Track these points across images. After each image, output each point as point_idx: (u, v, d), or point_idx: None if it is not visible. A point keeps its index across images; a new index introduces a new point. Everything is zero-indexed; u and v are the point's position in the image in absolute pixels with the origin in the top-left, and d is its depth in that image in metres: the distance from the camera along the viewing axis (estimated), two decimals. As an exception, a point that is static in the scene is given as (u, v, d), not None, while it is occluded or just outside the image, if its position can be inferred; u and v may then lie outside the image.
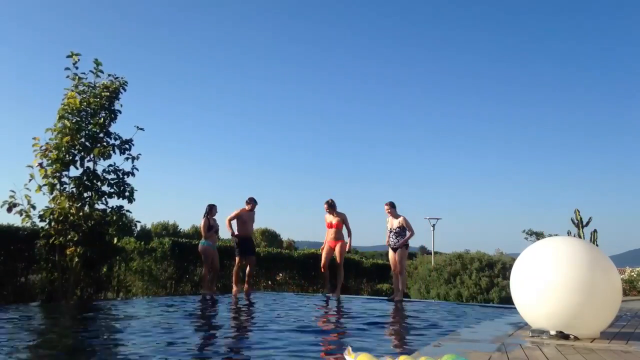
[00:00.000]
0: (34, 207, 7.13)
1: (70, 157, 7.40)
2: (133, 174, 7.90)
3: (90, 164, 7.67)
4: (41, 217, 7.14)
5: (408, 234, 7.84)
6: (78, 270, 7.21)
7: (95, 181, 7.61)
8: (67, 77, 7.76)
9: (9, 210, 6.98)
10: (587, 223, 14.26)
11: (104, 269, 8.04)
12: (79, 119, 7.60)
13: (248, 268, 8.69)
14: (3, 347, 3.55)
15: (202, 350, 3.70)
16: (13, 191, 7.03)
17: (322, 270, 8.50)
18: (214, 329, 4.87)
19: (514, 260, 4.31)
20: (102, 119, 7.78)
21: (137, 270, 10.63)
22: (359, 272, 16.99)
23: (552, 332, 3.71)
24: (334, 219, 8.31)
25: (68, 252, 7.08)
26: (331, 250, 8.35)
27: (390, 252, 7.99)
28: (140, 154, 8.00)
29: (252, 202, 8.52)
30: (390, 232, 7.90)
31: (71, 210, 7.22)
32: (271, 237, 48.95)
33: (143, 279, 10.72)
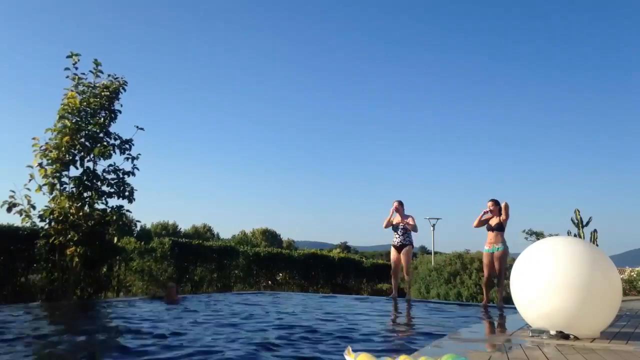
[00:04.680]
0: (34, 207, 7.13)
1: (70, 157, 7.39)
2: (133, 174, 7.90)
3: (90, 164, 7.67)
4: (41, 217, 7.14)
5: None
6: (78, 270, 7.21)
7: (95, 181, 7.61)
8: (67, 77, 7.77)
9: (9, 210, 6.98)
10: (587, 223, 14.27)
11: (104, 269, 8.04)
12: (78, 119, 7.60)
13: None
14: (6, 347, 3.55)
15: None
16: (13, 191, 7.03)
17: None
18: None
19: (514, 260, 4.31)
20: (102, 119, 7.78)
21: (137, 270, 10.65)
22: (359, 272, 17.01)
23: (552, 332, 3.71)
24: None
25: (68, 252, 7.08)
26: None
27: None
28: (140, 154, 8.00)
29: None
30: (396, 229, 7.97)
31: (71, 210, 7.22)
32: (271, 237, 48.96)
33: (143, 279, 10.74)
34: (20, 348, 3.58)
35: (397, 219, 8.00)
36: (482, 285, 7.72)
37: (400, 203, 8.06)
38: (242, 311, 6.26)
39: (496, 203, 7.36)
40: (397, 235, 7.89)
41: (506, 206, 7.29)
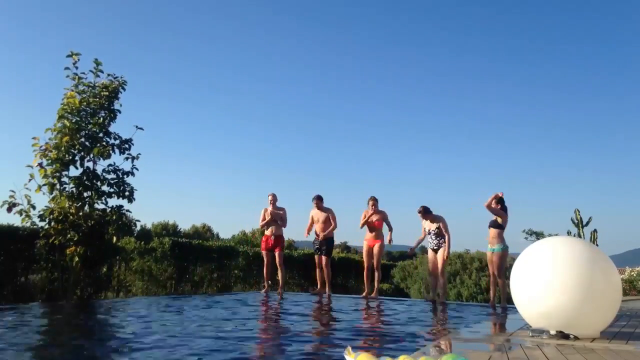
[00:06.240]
0: (33, 207, 7.11)
1: (70, 157, 7.38)
2: (133, 174, 7.88)
3: (90, 164, 7.66)
4: (41, 217, 7.13)
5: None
6: (78, 270, 7.21)
7: (95, 181, 7.60)
8: (67, 77, 7.75)
9: (9, 210, 6.97)
10: (587, 223, 14.28)
11: (104, 269, 8.03)
12: (78, 118, 7.58)
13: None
14: (8, 347, 3.54)
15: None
16: (13, 191, 7.02)
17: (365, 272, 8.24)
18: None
19: (514, 260, 4.31)
20: (102, 119, 7.77)
21: (137, 270, 10.64)
22: (359, 272, 16.99)
23: (552, 332, 3.71)
24: (374, 217, 8.02)
25: (68, 252, 7.07)
26: (370, 249, 8.09)
27: (431, 253, 7.85)
28: (140, 154, 7.99)
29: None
30: (429, 233, 7.76)
31: (71, 210, 7.22)
32: (271, 237, 48.50)
33: (143, 279, 10.72)
34: None
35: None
36: (489, 284, 7.71)
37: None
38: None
39: (499, 201, 7.34)
40: (432, 239, 7.73)
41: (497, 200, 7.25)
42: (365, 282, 8.35)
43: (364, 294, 8.37)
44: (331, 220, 8.15)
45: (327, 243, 8.21)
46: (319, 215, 8.19)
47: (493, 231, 7.23)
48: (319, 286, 8.51)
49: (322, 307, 7.09)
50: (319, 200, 8.21)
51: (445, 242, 7.62)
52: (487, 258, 7.44)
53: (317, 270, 8.42)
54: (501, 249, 7.19)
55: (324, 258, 8.19)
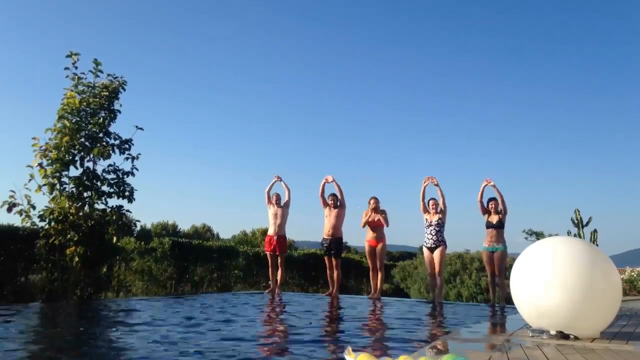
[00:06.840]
0: (33, 207, 7.11)
1: (70, 157, 7.38)
2: (133, 174, 7.89)
3: (90, 164, 7.66)
4: (41, 217, 7.13)
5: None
6: (78, 270, 7.21)
7: (95, 181, 7.60)
8: (67, 77, 7.75)
9: (9, 210, 6.97)
10: (587, 223, 14.26)
11: (104, 269, 8.03)
12: (78, 118, 7.58)
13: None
14: (9, 346, 3.54)
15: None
16: (13, 191, 7.02)
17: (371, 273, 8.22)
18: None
19: (514, 260, 4.31)
20: (102, 119, 7.77)
21: (137, 270, 10.64)
22: (359, 272, 17.01)
23: (552, 332, 3.71)
24: (376, 216, 8.04)
25: (68, 252, 7.07)
26: (373, 250, 8.06)
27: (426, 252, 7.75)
28: (140, 154, 7.99)
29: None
30: (430, 226, 7.68)
31: (71, 210, 7.22)
32: (271, 237, 48.49)
33: (143, 279, 10.73)
34: None
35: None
36: (488, 284, 7.71)
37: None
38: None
39: (494, 199, 7.43)
40: (431, 235, 7.64)
41: (502, 199, 7.33)
42: (371, 283, 8.34)
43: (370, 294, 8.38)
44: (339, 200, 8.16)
45: (336, 244, 8.22)
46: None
47: (497, 231, 7.30)
48: (330, 288, 8.48)
49: (325, 307, 7.10)
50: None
51: (442, 243, 7.61)
52: (486, 257, 7.45)
53: (329, 271, 8.43)
54: (504, 249, 7.27)
55: (334, 260, 8.23)
